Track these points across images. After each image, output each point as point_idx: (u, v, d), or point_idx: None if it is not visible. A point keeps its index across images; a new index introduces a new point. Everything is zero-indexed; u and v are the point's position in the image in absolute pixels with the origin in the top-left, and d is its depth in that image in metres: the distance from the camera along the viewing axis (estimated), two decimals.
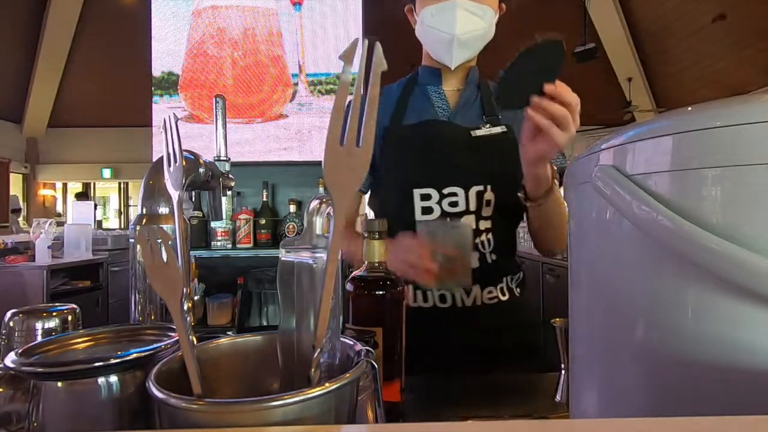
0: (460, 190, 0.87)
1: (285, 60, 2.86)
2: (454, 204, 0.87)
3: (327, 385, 0.31)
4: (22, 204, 7.65)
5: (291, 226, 2.41)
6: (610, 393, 0.35)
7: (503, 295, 0.91)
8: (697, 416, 0.27)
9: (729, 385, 0.27)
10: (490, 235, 0.90)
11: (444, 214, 0.87)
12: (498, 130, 0.90)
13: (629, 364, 0.32)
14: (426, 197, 0.87)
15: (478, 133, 0.89)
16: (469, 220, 0.88)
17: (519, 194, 0.83)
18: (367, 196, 1.02)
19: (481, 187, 0.87)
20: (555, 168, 0.83)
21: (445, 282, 0.73)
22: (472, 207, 0.88)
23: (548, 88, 0.67)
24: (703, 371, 0.28)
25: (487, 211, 0.88)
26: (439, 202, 0.87)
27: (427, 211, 0.88)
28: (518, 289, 0.95)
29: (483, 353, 0.87)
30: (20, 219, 6.90)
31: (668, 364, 0.29)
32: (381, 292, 0.58)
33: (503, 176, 0.88)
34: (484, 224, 0.89)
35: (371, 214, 1.01)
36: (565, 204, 0.89)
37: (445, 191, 0.87)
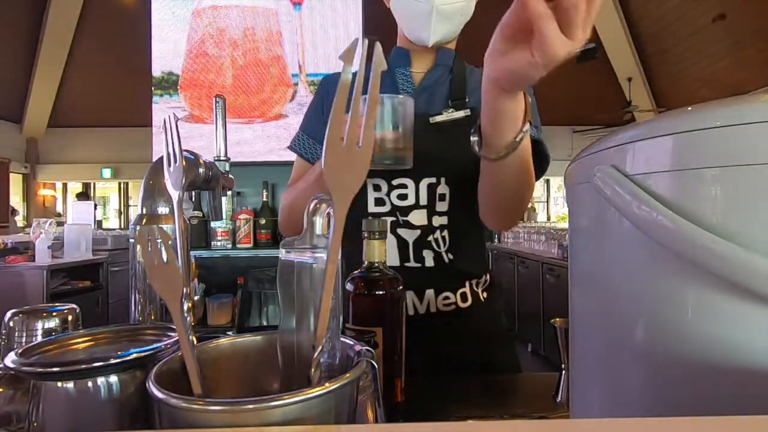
0: (410, 182, 0.80)
1: (285, 60, 2.86)
2: (403, 197, 0.81)
3: (327, 385, 0.31)
4: (21, 204, 7.64)
5: None
6: (610, 393, 0.35)
7: (464, 301, 0.83)
8: (697, 416, 0.27)
9: (729, 385, 0.27)
10: (445, 233, 0.82)
11: (394, 209, 0.81)
12: (460, 114, 0.80)
13: (629, 364, 0.32)
14: (377, 188, 0.82)
15: (437, 119, 0.80)
16: (421, 216, 0.82)
17: (472, 137, 0.61)
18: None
19: (433, 180, 0.80)
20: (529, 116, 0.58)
21: (382, 156, 0.65)
22: (423, 201, 0.81)
23: None
24: (703, 371, 0.28)
25: (441, 206, 0.82)
26: (388, 194, 0.81)
27: (379, 202, 0.82)
28: (485, 293, 0.87)
29: (439, 367, 0.80)
30: (18, 218, 6.90)
31: (668, 364, 0.29)
32: (381, 292, 0.58)
33: (460, 167, 0.78)
34: (439, 220, 0.82)
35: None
36: (532, 169, 0.68)
37: (394, 182, 0.81)
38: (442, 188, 0.81)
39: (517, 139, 0.57)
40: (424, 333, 0.80)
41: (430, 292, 0.82)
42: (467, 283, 0.85)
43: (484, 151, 0.60)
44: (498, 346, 0.88)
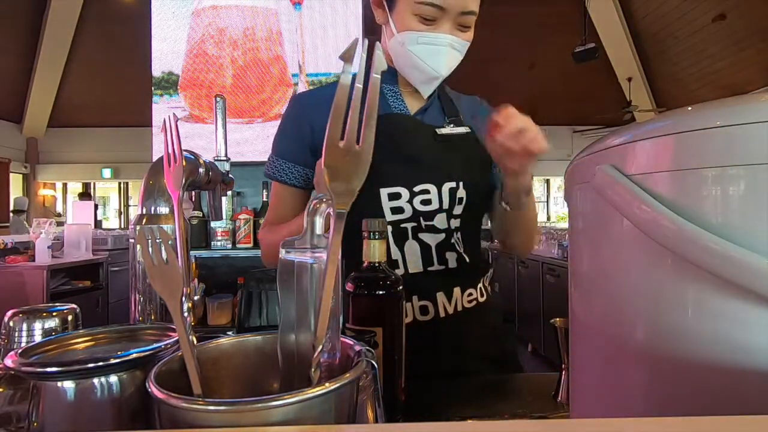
0: (432, 187, 0.82)
1: (285, 60, 2.86)
2: (426, 202, 0.82)
3: (327, 385, 0.31)
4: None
5: None
6: (610, 393, 0.35)
7: (481, 296, 0.88)
8: (697, 416, 0.27)
9: (729, 385, 0.27)
10: (459, 234, 0.85)
11: (417, 214, 0.81)
12: (462, 130, 0.86)
13: (629, 363, 0.32)
14: (395, 196, 0.81)
15: (444, 131, 0.85)
16: (443, 219, 0.83)
17: (501, 204, 0.83)
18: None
19: (453, 184, 0.83)
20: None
21: None
22: (446, 205, 0.83)
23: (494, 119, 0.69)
24: (703, 371, 0.28)
25: (458, 210, 0.84)
26: (410, 201, 0.81)
27: (397, 211, 0.81)
28: (490, 287, 0.92)
29: (466, 364, 0.82)
30: (22, 217, 6.89)
31: (668, 364, 0.29)
32: (381, 292, 0.58)
33: (472, 174, 0.86)
34: (455, 222, 0.85)
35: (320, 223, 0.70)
36: (536, 209, 0.95)
37: (416, 189, 0.81)
38: (461, 192, 0.84)
39: (530, 198, 0.84)
40: (453, 331, 0.83)
41: (457, 291, 0.84)
42: (481, 279, 0.89)
43: (509, 206, 0.83)
44: (506, 336, 0.92)
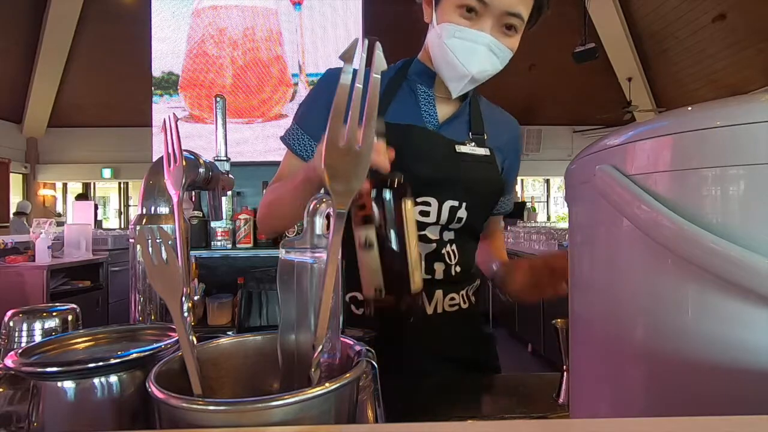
0: (433, 201, 0.82)
1: (285, 60, 2.86)
2: (425, 213, 0.81)
3: (327, 385, 0.31)
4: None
5: None
6: (610, 393, 0.35)
7: (464, 302, 0.88)
8: (697, 416, 0.27)
9: (729, 385, 0.27)
10: (454, 246, 0.86)
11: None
12: (481, 152, 0.86)
13: (629, 364, 0.32)
14: None
15: (463, 149, 0.84)
16: (435, 231, 0.83)
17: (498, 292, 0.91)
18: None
19: (455, 203, 0.83)
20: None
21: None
22: (443, 221, 0.83)
23: None
24: (704, 371, 0.28)
25: (454, 225, 0.84)
26: None
27: None
28: (474, 297, 0.92)
29: (448, 363, 0.84)
30: (23, 219, 6.89)
31: (668, 364, 0.29)
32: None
33: (479, 196, 0.86)
34: (448, 235, 0.85)
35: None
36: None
37: (418, 200, 0.81)
38: (462, 212, 0.84)
39: None
40: (431, 332, 0.83)
41: (439, 293, 0.84)
42: (465, 288, 0.89)
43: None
44: (486, 343, 0.94)
